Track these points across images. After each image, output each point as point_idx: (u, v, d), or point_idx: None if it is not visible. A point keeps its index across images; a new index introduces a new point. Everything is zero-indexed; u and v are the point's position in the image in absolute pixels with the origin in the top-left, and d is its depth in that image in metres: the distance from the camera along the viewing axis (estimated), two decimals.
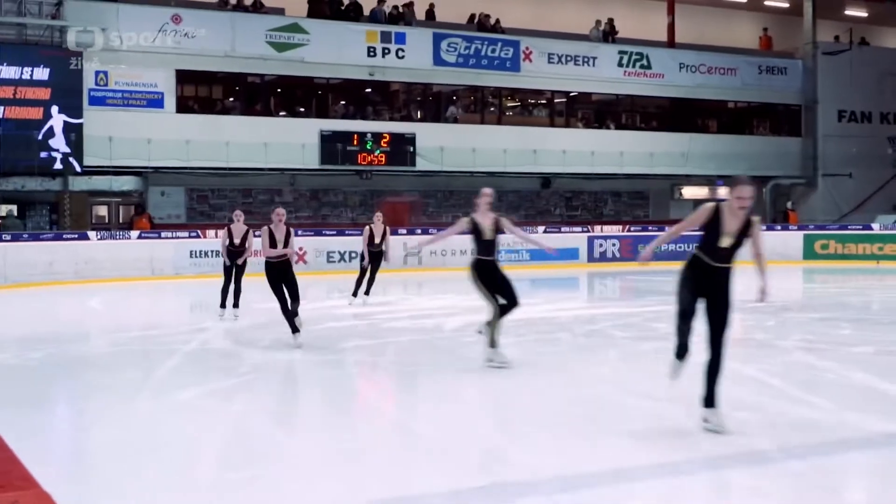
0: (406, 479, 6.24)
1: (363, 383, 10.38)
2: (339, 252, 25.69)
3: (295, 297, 11.75)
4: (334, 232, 26.55)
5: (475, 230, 10.24)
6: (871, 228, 29.92)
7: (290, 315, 11.72)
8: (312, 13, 29.13)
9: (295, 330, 11.73)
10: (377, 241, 17.33)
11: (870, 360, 10.97)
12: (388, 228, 17.64)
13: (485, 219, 10.25)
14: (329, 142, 28.06)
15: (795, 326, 14.38)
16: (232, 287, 15.05)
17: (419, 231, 26.39)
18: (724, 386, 8.68)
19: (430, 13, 31.97)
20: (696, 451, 6.86)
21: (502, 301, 10.16)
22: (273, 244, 11.76)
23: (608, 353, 11.80)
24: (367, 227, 17.53)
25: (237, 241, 15.04)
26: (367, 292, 17.51)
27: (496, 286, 10.18)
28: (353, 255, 23.89)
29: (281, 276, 11.79)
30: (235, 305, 15.02)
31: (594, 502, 5.87)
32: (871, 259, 28.47)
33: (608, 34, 33.74)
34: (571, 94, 32.78)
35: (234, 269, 15.10)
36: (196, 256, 23.78)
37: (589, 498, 5.90)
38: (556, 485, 6.01)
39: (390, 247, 17.73)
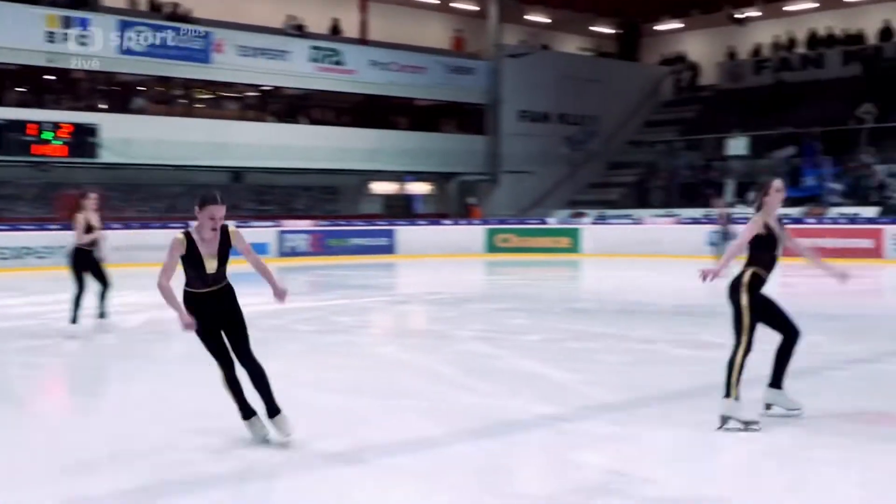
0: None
1: (28, 387, 9.82)
2: (11, 248, 24.01)
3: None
4: (7, 227, 24.90)
5: (768, 238, 7.18)
6: (546, 223, 31.88)
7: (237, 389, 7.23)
8: None
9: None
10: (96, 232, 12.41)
11: (538, 347, 11.63)
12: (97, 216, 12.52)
13: (776, 223, 7.28)
14: (3, 131, 26.28)
15: (474, 317, 15.00)
16: (97, 288, 12.25)
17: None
18: (396, 378, 8.95)
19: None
20: (369, 439, 6.97)
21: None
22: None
23: (288, 346, 11.78)
24: (81, 216, 12.26)
25: (95, 224, 12.21)
26: (102, 314, 12.64)
27: (775, 316, 7.28)
28: (27, 251, 22.41)
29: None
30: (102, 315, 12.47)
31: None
32: (548, 252, 30.16)
33: (301, 28, 33.74)
34: (263, 88, 32.49)
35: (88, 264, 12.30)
36: None
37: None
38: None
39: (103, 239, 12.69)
